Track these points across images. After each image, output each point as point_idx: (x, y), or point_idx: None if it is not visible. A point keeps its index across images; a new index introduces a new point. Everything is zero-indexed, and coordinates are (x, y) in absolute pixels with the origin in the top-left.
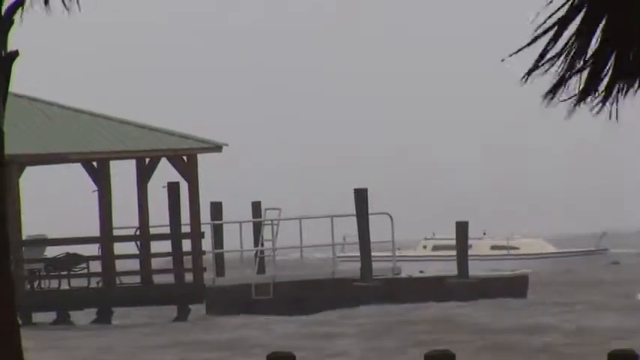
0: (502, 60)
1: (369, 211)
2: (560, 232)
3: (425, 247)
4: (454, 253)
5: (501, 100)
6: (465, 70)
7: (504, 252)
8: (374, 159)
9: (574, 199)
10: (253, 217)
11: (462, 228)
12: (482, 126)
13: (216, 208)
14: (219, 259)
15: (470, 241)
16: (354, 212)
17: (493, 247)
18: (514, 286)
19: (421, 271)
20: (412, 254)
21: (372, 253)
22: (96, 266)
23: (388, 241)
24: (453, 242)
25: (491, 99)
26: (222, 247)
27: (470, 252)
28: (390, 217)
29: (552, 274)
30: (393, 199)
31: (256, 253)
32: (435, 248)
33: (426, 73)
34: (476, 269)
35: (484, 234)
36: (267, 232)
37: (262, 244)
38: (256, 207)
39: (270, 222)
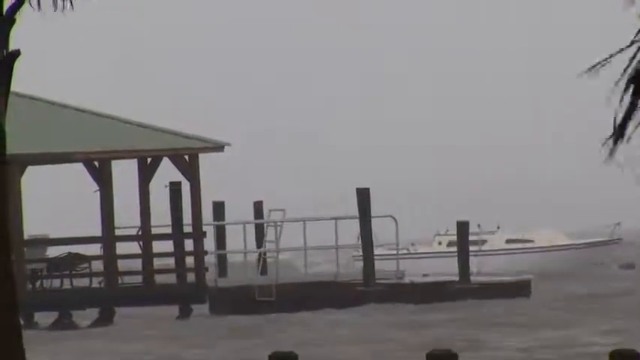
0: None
1: (373, 212)
2: (575, 224)
3: (440, 243)
4: (470, 248)
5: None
6: (469, 70)
7: (519, 245)
8: (376, 158)
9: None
10: (255, 217)
11: (463, 228)
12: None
13: (219, 208)
14: (221, 260)
15: (484, 236)
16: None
17: (508, 241)
18: (517, 291)
19: (425, 275)
20: (428, 251)
21: (388, 252)
22: (98, 266)
23: (393, 244)
24: (469, 237)
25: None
26: (224, 248)
27: (485, 247)
28: (395, 219)
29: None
30: (394, 198)
31: (259, 254)
32: (451, 244)
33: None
34: (491, 265)
35: (497, 228)
36: (270, 233)
37: (265, 246)
38: (258, 206)
39: (273, 224)
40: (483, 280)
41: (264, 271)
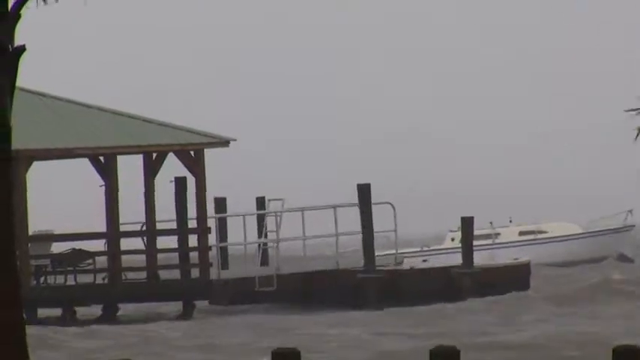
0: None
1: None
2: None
3: (453, 239)
4: (483, 243)
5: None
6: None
7: (532, 237)
8: (375, 156)
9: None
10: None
11: (467, 223)
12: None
13: (220, 204)
14: (223, 253)
15: (497, 229)
16: (356, 201)
17: (521, 233)
18: (516, 275)
19: (424, 260)
20: (442, 247)
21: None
22: (102, 262)
23: (391, 231)
24: (481, 233)
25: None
26: (226, 241)
27: (498, 240)
28: (392, 206)
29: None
30: (394, 190)
31: (259, 245)
32: None
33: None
34: (504, 257)
35: (510, 221)
36: (270, 223)
37: (266, 236)
38: (260, 202)
39: (273, 214)
40: (484, 265)
41: (264, 262)
